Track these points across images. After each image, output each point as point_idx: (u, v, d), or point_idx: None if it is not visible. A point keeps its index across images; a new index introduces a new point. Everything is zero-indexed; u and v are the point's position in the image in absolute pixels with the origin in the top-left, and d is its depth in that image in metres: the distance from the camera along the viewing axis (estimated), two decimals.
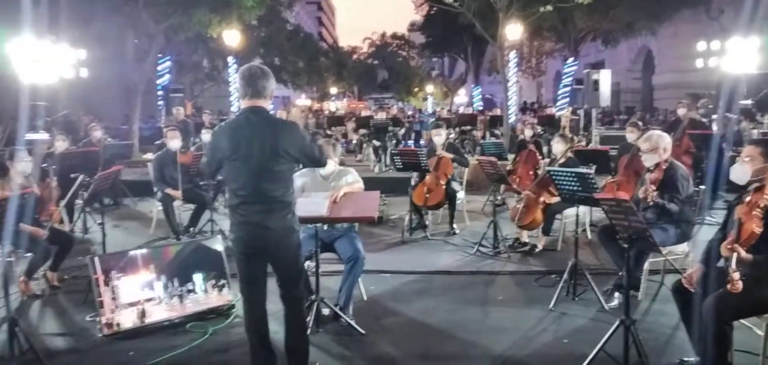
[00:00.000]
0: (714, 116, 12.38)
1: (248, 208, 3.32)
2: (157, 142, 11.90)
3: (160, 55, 18.44)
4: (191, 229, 7.28)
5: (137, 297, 4.53)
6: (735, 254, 3.12)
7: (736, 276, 3.05)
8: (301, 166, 4.16)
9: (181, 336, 4.42)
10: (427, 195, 7.30)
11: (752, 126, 10.73)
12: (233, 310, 4.81)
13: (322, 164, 3.82)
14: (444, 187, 7.34)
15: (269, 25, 26.90)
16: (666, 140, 4.96)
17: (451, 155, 7.52)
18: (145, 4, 14.69)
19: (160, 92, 20.24)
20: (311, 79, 38.20)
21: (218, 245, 5.03)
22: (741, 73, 12.85)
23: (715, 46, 14.89)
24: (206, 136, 8.83)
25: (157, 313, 4.57)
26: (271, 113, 3.60)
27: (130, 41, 16.77)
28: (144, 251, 4.79)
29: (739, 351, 3.56)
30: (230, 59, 22.09)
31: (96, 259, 4.52)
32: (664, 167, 4.87)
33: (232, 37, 17.99)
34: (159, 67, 19.59)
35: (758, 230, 3.18)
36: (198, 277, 4.80)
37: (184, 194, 7.26)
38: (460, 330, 4.50)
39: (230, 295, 4.88)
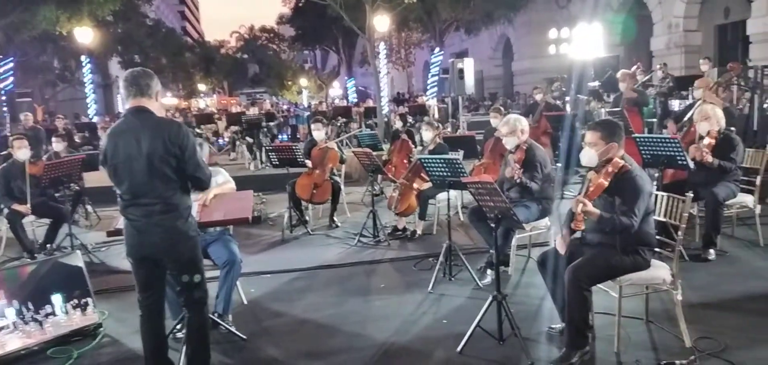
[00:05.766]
0: (567, 98, 13.46)
1: (133, 212, 3.22)
2: (2, 153, 10.77)
3: (0, 57, 16.68)
4: (48, 246, 6.68)
5: None
6: (581, 205, 3.41)
7: (580, 215, 3.39)
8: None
9: (42, 364, 4.06)
10: (315, 191, 7.16)
11: (600, 105, 11.66)
12: (101, 329, 4.48)
13: (202, 187, 3.46)
14: (331, 182, 7.29)
15: (127, 21, 25.37)
16: (523, 122, 5.27)
17: (335, 146, 7.48)
18: None
19: (3, 98, 18.36)
20: (176, 76, 36.55)
21: (78, 260, 4.64)
22: (588, 58, 14.01)
23: (564, 33, 16.14)
24: (57, 145, 8.09)
25: (12, 342, 4.14)
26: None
27: None
28: None
29: (599, 313, 3.91)
30: (84, 59, 20.52)
31: None
32: (524, 147, 5.19)
33: (84, 34, 16.68)
34: (0, 71, 17.74)
35: (606, 182, 3.50)
36: (57, 298, 4.40)
37: (36, 209, 6.62)
38: (344, 323, 4.51)
39: (96, 314, 4.53)
